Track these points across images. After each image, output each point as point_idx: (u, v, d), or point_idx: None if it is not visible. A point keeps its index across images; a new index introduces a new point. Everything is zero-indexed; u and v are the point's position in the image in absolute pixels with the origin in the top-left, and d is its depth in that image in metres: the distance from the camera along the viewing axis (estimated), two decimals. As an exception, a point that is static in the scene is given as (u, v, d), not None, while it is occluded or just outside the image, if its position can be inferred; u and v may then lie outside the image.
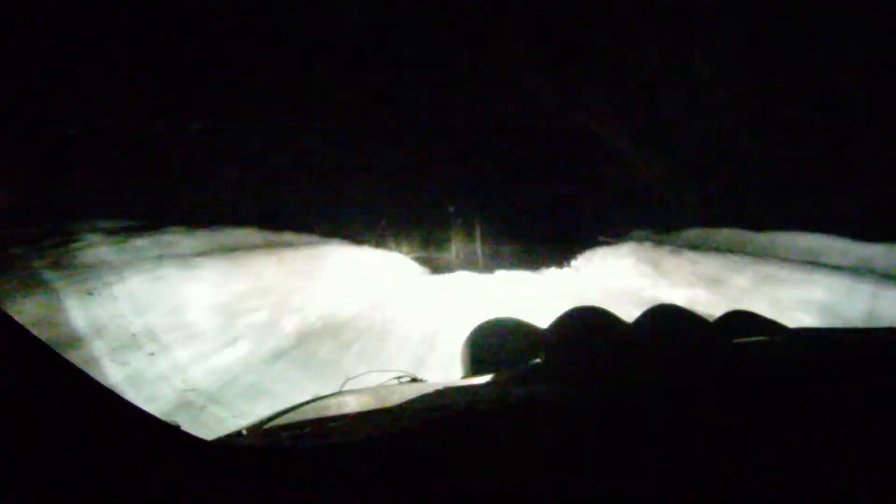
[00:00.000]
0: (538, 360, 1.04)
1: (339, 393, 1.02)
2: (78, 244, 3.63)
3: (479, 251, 7.40)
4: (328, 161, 7.01)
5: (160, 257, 3.79)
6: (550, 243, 7.28)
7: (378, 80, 6.58)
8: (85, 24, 4.36)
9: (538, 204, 7.57)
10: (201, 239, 4.44)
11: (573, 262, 7.19)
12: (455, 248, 7.50)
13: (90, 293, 3.77)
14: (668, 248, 6.10)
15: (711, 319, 1.27)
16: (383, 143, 7.17)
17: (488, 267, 7.03)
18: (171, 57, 5.18)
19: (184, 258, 3.94)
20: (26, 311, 2.67)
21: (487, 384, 0.88)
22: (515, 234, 7.42)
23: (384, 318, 4.33)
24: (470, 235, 7.45)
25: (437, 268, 7.08)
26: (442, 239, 7.49)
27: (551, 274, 6.88)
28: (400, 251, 7.16)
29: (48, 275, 3.10)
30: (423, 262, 7.19)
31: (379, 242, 7.00)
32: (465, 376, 1.17)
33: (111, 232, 3.85)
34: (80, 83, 4.60)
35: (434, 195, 7.46)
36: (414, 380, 1.12)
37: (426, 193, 7.44)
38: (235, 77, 5.67)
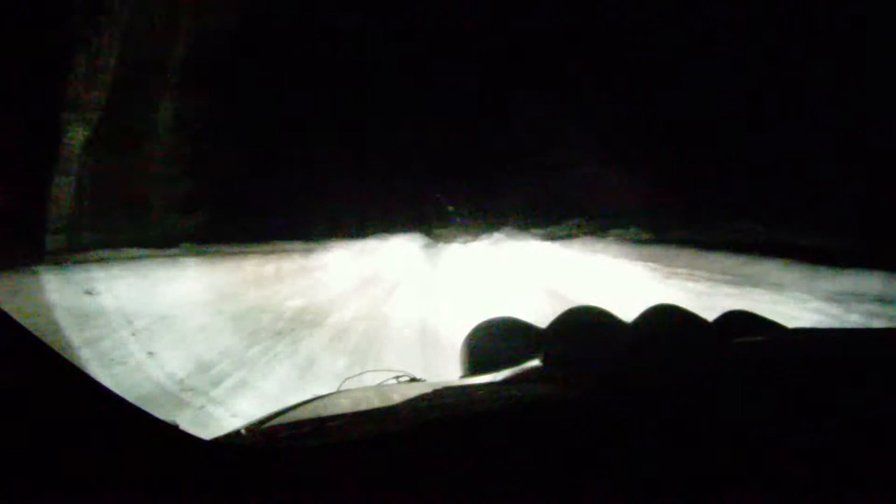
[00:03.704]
0: (537, 361, 1.03)
1: (338, 392, 1.02)
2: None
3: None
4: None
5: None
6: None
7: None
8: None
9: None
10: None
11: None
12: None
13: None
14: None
15: (711, 319, 1.27)
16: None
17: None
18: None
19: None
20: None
21: (486, 384, 0.88)
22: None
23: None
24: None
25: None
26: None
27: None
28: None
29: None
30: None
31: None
32: (465, 376, 1.16)
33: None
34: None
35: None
36: (413, 379, 1.12)
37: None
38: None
